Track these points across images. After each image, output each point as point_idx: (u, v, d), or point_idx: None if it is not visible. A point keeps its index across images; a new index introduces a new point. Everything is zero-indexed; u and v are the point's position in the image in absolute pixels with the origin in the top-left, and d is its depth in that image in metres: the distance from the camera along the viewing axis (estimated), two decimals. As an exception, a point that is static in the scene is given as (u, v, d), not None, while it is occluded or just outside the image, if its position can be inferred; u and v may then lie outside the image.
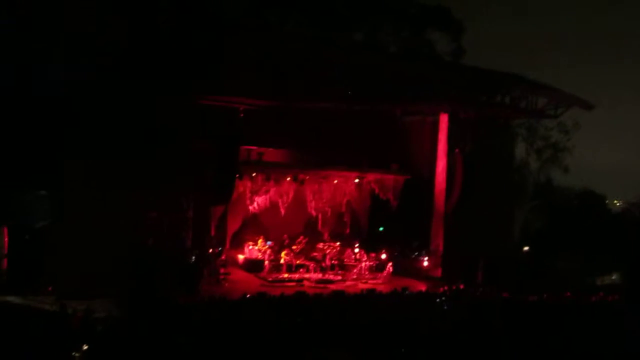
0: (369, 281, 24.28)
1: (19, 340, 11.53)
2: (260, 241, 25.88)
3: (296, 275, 23.74)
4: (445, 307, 18.36)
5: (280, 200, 26.68)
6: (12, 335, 11.96)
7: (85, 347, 11.69)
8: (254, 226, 26.78)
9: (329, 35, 33.16)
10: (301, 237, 26.35)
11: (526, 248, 28.28)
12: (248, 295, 18.38)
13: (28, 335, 12.00)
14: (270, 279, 23.16)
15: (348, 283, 23.77)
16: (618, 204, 55.76)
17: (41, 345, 11.69)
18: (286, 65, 21.78)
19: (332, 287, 22.50)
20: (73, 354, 11.55)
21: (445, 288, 22.35)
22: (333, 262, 25.06)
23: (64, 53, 19.43)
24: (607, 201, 48.53)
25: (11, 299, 17.65)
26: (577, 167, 41.45)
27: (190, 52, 19.99)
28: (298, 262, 24.50)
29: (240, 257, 25.81)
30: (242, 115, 22.41)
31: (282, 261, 24.25)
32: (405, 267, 27.22)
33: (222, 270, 22.78)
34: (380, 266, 25.56)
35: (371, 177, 28.04)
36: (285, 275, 23.64)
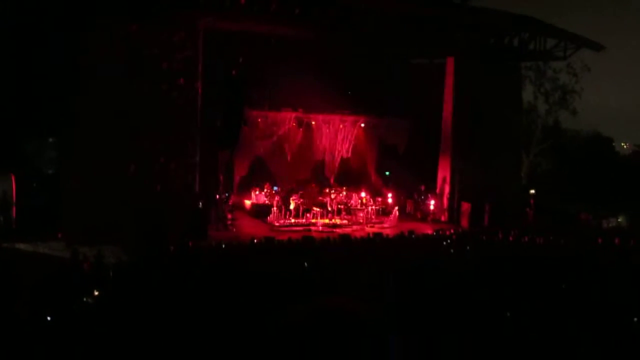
0: (376, 225, 24.41)
1: (30, 287, 11.68)
2: (266, 187, 25.97)
3: (303, 220, 23.84)
4: (452, 251, 18.42)
5: (286, 146, 26.69)
6: (23, 282, 12.11)
7: (96, 293, 11.82)
8: (260, 172, 26.85)
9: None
10: (313, 184, 26.43)
11: (532, 191, 28.24)
12: (256, 241, 18.52)
13: (39, 281, 12.13)
14: (277, 224, 23.29)
15: (355, 227, 23.91)
16: (625, 147, 55.54)
17: (52, 291, 11.82)
18: (291, 8, 21.37)
19: (339, 231, 22.64)
20: (84, 299, 11.68)
21: (452, 231, 22.47)
22: (340, 206, 25.14)
23: None
24: (614, 144, 48.38)
25: (21, 246, 17.84)
26: (586, 110, 41.15)
27: None
28: (305, 207, 24.58)
29: (247, 202, 25.94)
30: (240, 60, 22.13)
31: (291, 206, 24.27)
32: (412, 211, 27.41)
33: (229, 216, 22.94)
34: (387, 210, 25.66)
35: (377, 121, 27.93)
36: (292, 221, 23.74)
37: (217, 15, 20.69)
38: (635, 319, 10.73)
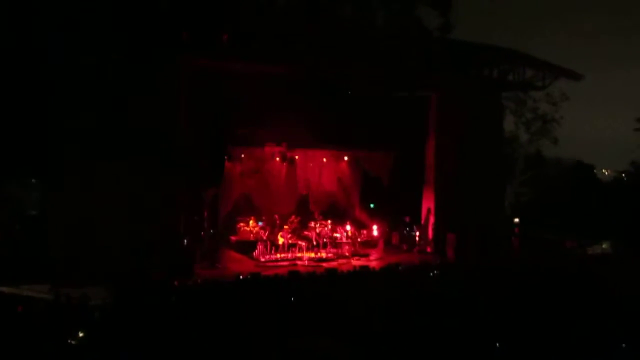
0: (362, 258, 24.37)
1: (13, 331, 11.54)
2: (251, 222, 25.94)
3: (289, 255, 23.75)
4: (438, 281, 18.47)
5: (270, 180, 26.72)
6: (6, 326, 11.97)
7: (81, 334, 11.72)
8: (245, 207, 26.81)
9: (316, 10, 32.91)
10: (293, 217, 26.44)
11: (517, 220, 28.43)
12: (241, 277, 18.43)
13: (23, 325, 12.00)
14: (263, 260, 23.19)
15: (341, 261, 23.85)
16: (607, 173, 56.06)
17: (37, 334, 11.70)
18: (272, 41, 21.58)
19: (326, 265, 22.59)
20: (69, 341, 11.57)
21: (438, 262, 22.50)
22: (325, 240, 25.11)
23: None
24: (595, 171, 48.84)
25: (3, 289, 17.62)
26: (567, 138, 41.56)
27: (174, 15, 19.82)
28: (290, 241, 24.52)
29: (233, 238, 25.84)
30: (224, 96, 22.25)
31: (280, 242, 24.20)
32: (398, 242, 27.45)
33: (214, 253, 22.82)
34: (372, 243, 25.66)
35: (361, 154, 28.08)
36: (279, 256, 23.65)
37: (199, 53, 20.85)
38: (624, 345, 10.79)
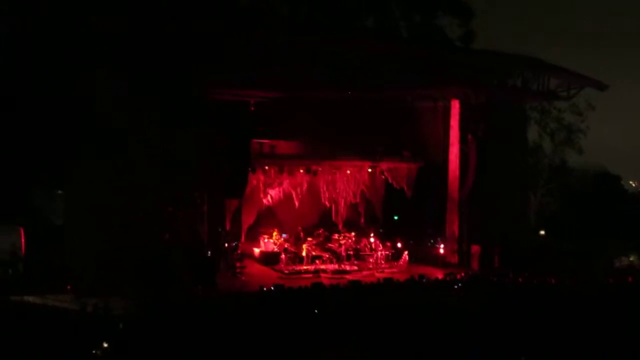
0: (385, 270, 24.23)
1: (39, 340, 11.61)
2: (275, 234, 25.93)
3: (312, 267, 23.70)
4: (463, 294, 18.27)
5: (293, 192, 26.72)
6: (32, 335, 12.04)
7: (105, 345, 11.75)
8: (268, 219, 26.85)
9: (339, 24, 33.03)
10: (321, 230, 26.38)
11: (542, 232, 28.09)
12: (265, 289, 18.40)
13: (48, 334, 12.06)
14: (286, 272, 23.15)
15: (364, 273, 23.72)
16: (634, 185, 55.35)
17: (61, 344, 11.75)
18: (297, 57, 21.66)
19: (349, 277, 22.47)
20: (94, 351, 11.61)
21: (462, 274, 22.29)
22: (349, 252, 25.00)
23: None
24: (622, 182, 48.21)
25: (30, 298, 17.74)
26: (592, 148, 41.09)
27: (198, 43, 19.91)
28: (314, 253, 24.45)
29: (256, 250, 25.85)
30: (252, 108, 22.34)
31: (304, 253, 24.15)
32: (422, 255, 27.19)
33: (238, 264, 22.84)
34: (396, 255, 25.50)
35: (384, 166, 27.97)
36: (302, 268, 23.59)
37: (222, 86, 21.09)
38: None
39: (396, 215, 28.87)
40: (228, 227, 24.31)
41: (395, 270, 24.32)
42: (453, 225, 26.51)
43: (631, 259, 28.91)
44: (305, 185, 26.91)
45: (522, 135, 28.96)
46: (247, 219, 26.25)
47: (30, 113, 20.66)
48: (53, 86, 20.17)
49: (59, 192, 22.75)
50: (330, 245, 25.60)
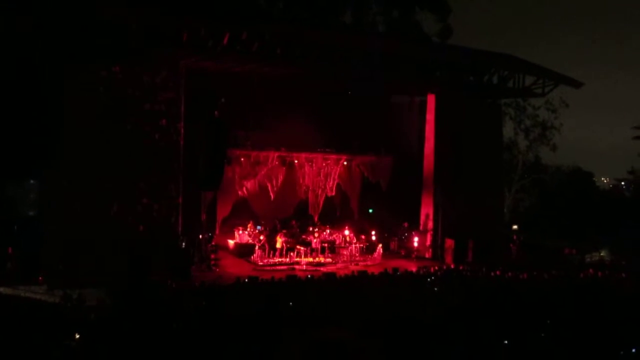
0: (360, 263, 24.33)
1: (10, 331, 11.49)
2: (249, 226, 25.89)
3: (287, 259, 23.71)
4: (436, 289, 18.36)
5: (269, 184, 26.70)
6: (2, 327, 11.91)
7: (78, 336, 11.64)
8: (243, 211, 26.76)
9: (317, 17, 33.05)
10: (294, 222, 26.41)
11: (515, 227, 28.40)
12: (240, 280, 18.38)
13: (19, 326, 11.94)
14: (261, 264, 23.15)
15: (339, 265, 23.80)
16: (605, 181, 56.14)
17: (33, 335, 11.63)
18: (273, 48, 21.62)
19: (323, 269, 22.54)
20: (66, 342, 11.50)
21: (436, 268, 22.46)
22: (324, 245, 25.06)
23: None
24: (594, 179, 48.90)
25: (1, 290, 17.58)
26: (566, 145, 41.65)
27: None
28: (288, 245, 24.46)
29: (231, 242, 25.79)
30: (223, 100, 22.23)
31: (278, 245, 24.15)
32: (396, 248, 27.39)
33: (212, 256, 22.80)
34: (370, 248, 25.61)
35: (360, 159, 28.08)
36: (276, 260, 23.60)
37: (199, 56, 20.88)
38: (634, 350, 10.73)
39: (371, 209, 29.02)
40: (203, 218, 24.22)
41: (369, 263, 24.43)
42: (427, 219, 26.72)
43: (602, 254, 29.35)
44: (280, 178, 26.92)
45: (497, 131, 29.21)
46: (222, 211, 26.16)
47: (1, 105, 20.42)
48: (24, 78, 19.98)
49: (32, 182, 22.51)
50: (305, 237, 25.63)
